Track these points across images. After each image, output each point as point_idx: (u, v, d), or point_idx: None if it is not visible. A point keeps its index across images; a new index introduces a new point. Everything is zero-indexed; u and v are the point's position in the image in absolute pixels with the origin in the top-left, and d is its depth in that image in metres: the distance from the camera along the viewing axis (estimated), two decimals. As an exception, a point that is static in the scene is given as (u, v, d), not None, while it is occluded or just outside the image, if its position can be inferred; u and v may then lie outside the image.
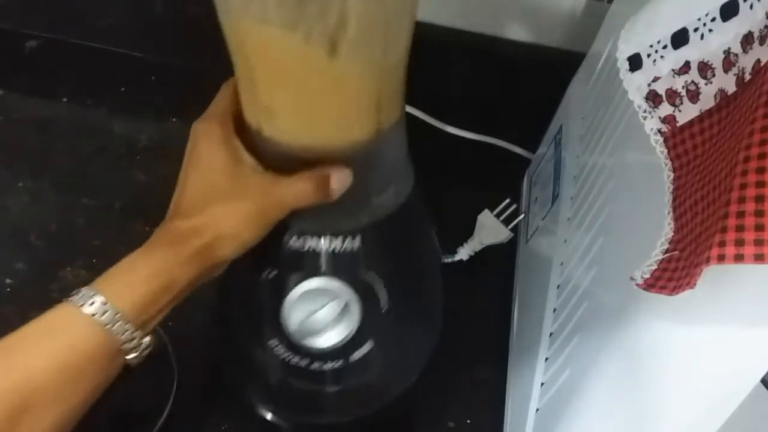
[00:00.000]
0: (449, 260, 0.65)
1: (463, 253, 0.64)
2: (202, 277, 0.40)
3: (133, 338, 0.38)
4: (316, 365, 0.45)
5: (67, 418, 0.37)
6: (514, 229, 0.62)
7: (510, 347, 0.61)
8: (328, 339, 0.44)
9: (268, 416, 0.52)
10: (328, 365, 0.45)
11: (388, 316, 0.45)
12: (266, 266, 0.44)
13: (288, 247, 0.43)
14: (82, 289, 0.37)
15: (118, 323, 0.37)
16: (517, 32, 0.69)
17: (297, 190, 0.40)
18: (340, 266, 0.43)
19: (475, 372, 0.61)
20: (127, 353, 0.38)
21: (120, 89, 0.74)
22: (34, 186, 0.66)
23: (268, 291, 0.44)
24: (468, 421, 0.59)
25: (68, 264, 0.62)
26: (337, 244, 0.43)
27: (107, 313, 0.36)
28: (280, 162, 0.40)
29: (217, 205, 0.39)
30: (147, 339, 0.39)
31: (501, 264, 0.65)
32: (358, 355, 0.45)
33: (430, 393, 0.59)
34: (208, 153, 0.40)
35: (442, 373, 0.60)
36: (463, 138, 0.73)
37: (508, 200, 0.62)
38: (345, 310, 0.43)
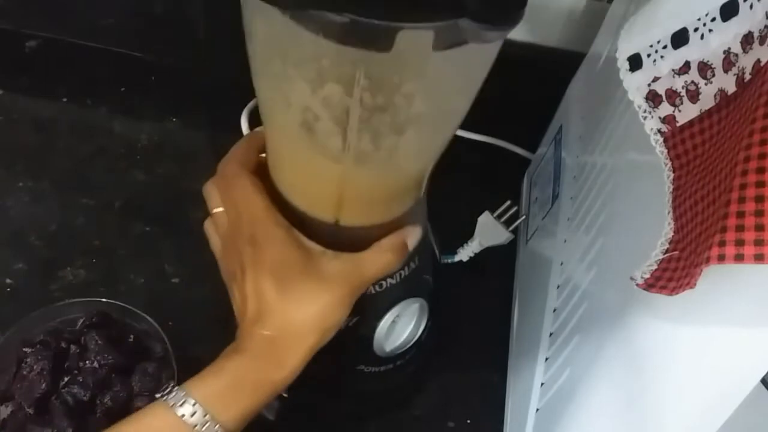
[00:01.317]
0: (449, 261, 0.65)
1: (463, 254, 0.64)
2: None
3: None
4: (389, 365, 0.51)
5: None
6: (515, 231, 0.62)
7: (510, 347, 0.61)
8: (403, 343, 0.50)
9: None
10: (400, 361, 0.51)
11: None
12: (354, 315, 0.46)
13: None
14: (181, 390, 0.36)
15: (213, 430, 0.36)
16: (517, 32, 0.68)
17: (381, 264, 0.40)
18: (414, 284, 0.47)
19: (475, 372, 0.61)
20: None
21: (120, 89, 0.74)
22: (34, 186, 0.66)
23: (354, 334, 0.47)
24: (468, 421, 0.59)
25: (68, 264, 0.61)
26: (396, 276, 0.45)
27: (208, 425, 0.35)
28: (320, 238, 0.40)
29: (309, 305, 0.38)
30: None
31: (501, 264, 0.65)
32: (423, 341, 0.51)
33: (430, 393, 0.59)
34: (280, 253, 0.39)
35: (442, 373, 0.60)
36: (462, 138, 0.73)
37: (509, 202, 0.62)
38: (420, 313, 0.49)
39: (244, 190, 0.40)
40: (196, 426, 0.35)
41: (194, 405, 0.35)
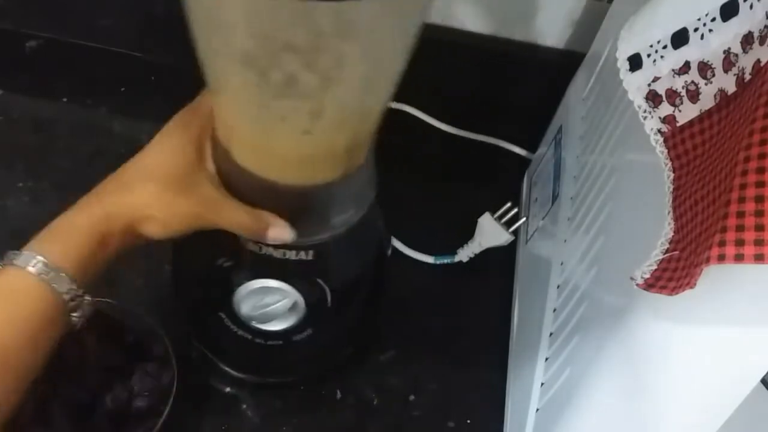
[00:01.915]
0: (449, 261, 0.65)
1: (463, 255, 0.64)
2: (129, 244, 0.41)
3: (77, 296, 0.39)
4: (259, 340, 0.51)
5: (26, 379, 0.38)
6: (515, 232, 0.62)
7: (510, 347, 0.61)
8: (273, 326, 0.50)
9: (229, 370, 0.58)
10: (270, 342, 0.51)
11: (330, 311, 0.50)
12: (222, 256, 0.48)
13: (246, 246, 0.46)
14: (23, 251, 0.38)
15: (64, 282, 0.38)
16: (517, 32, 0.68)
17: (235, 220, 0.42)
18: (291, 272, 0.47)
19: (475, 372, 0.61)
20: (73, 310, 0.39)
21: (120, 89, 0.74)
22: (34, 186, 0.66)
23: (222, 277, 0.49)
24: (468, 421, 0.59)
25: (68, 264, 0.61)
26: (291, 254, 0.45)
27: (52, 273, 0.38)
28: (239, 182, 0.42)
29: (163, 192, 0.41)
30: (88, 297, 0.40)
31: (501, 264, 0.65)
32: (298, 338, 0.51)
33: (430, 393, 0.60)
34: (179, 142, 0.42)
35: (442, 373, 0.61)
36: (463, 138, 0.73)
37: (509, 204, 0.62)
38: (293, 306, 0.49)
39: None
40: (41, 275, 0.37)
41: (35, 257, 0.38)
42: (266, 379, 0.58)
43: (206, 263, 0.50)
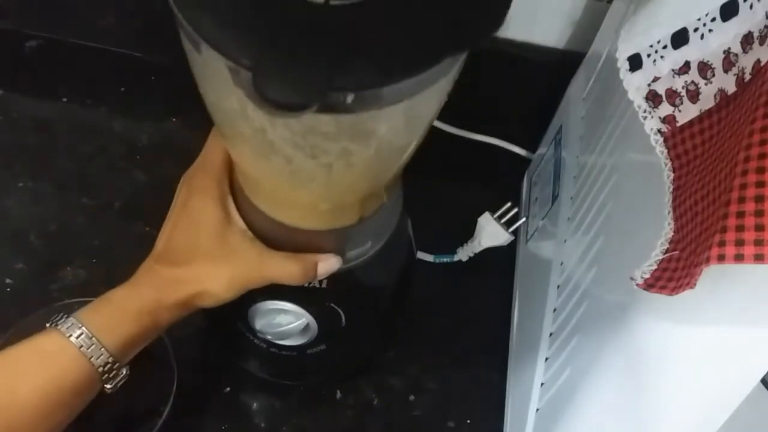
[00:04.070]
0: (448, 261, 0.65)
1: (463, 254, 0.64)
2: (180, 317, 0.43)
3: (114, 370, 0.40)
4: (274, 349, 0.52)
5: None
6: (515, 232, 0.62)
7: (510, 347, 0.61)
8: (286, 342, 0.50)
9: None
10: (285, 352, 0.52)
11: (344, 330, 0.50)
12: None
13: None
14: (71, 317, 0.39)
15: (102, 356, 0.39)
16: (517, 32, 0.68)
17: (284, 271, 0.42)
18: (305, 297, 0.47)
19: (475, 372, 0.61)
20: (106, 383, 0.40)
21: (120, 89, 0.74)
22: (34, 186, 0.66)
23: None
24: (468, 421, 0.59)
25: (68, 264, 0.62)
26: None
27: (93, 347, 0.39)
28: (264, 228, 0.42)
29: (205, 264, 0.41)
30: (124, 371, 0.41)
31: (501, 264, 0.65)
32: (312, 351, 0.52)
33: (430, 393, 0.60)
34: (201, 210, 0.42)
35: (442, 373, 0.60)
36: (463, 138, 0.73)
37: (509, 204, 0.62)
38: (306, 327, 0.49)
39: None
40: (81, 347, 0.38)
41: (80, 328, 0.39)
42: (282, 381, 0.58)
43: None
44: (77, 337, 0.38)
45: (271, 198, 0.41)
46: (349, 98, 0.28)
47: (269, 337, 0.49)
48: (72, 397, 0.39)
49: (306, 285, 0.45)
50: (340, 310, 0.49)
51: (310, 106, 0.26)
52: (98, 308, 0.41)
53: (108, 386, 0.40)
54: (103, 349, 0.39)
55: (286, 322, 0.48)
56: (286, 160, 0.34)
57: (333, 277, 0.45)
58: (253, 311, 0.48)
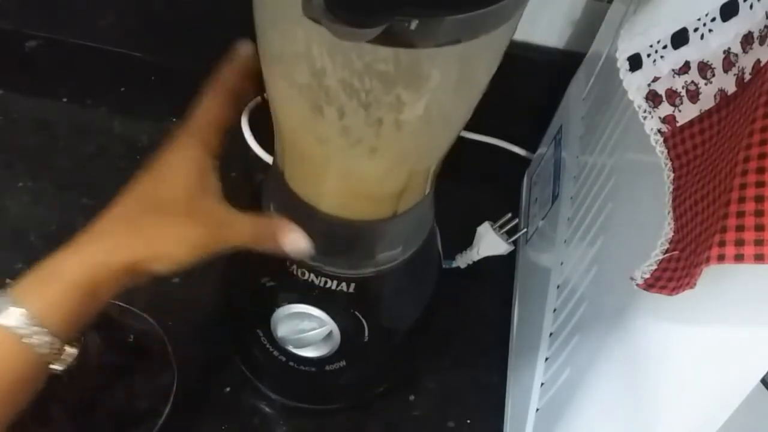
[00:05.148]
0: (446, 267, 0.64)
1: (461, 262, 0.63)
2: (128, 286, 0.38)
3: (58, 350, 0.36)
4: (293, 363, 0.50)
5: None
6: (515, 242, 0.61)
7: (510, 347, 0.61)
8: (306, 352, 0.49)
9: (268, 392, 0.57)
10: (303, 367, 0.50)
11: (366, 345, 0.49)
12: (267, 275, 0.47)
13: (290, 269, 0.45)
14: (6, 298, 0.35)
15: (44, 338, 0.35)
16: (517, 32, 0.68)
17: (246, 234, 0.39)
18: (330, 302, 0.46)
19: (475, 372, 0.61)
20: (52, 364, 0.37)
21: (120, 89, 0.74)
22: (34, 186, 0.66)
23: (264, 296, 0.48)
24: (468, 421, 0.59)
25: (68, 264, 0.61)
26: (332, 284, 0.45)
27: (32, 329, 0.35)
28: (298, 218, 0.41)
29: (167, 223, 0.38)
30: (69, 348, 0.38)
31: (501, 264, 0.65)
32: (331, 368, 0.50)
33: (430, 393, 0.59)
34: (177, 167, 0.39)
35: (442, 373, 0.60)
36: (462, 138, 0.73)
37: (509, 215, 0.61)
38: (328, 336, 0.47)
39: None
40: (22, 337, 0.34)
41: (18, 312, 0.34)
42: (298, 404, 0.57)
43: (252, 280, 0.49)
44: (15, 321, 0.34)
45: (310, 176, 0.40)
46: (413, 24, 0.28)
47: (290, 346, 0.48)
48: (18, 385, 0.36)
49: (333, 288, 0.45)
50: (363, 320, 0.47)
51: (381, 22, 0.26)
52: (34, 283, 0.36)
53: (56, 366, 0.37)
54: (43, 330, 0.35)
55: (309, 327, 0.47)
56: (339, 113, 0.34)
57: (360, 283, 0.45)
58: (276, 316, 0.47)
